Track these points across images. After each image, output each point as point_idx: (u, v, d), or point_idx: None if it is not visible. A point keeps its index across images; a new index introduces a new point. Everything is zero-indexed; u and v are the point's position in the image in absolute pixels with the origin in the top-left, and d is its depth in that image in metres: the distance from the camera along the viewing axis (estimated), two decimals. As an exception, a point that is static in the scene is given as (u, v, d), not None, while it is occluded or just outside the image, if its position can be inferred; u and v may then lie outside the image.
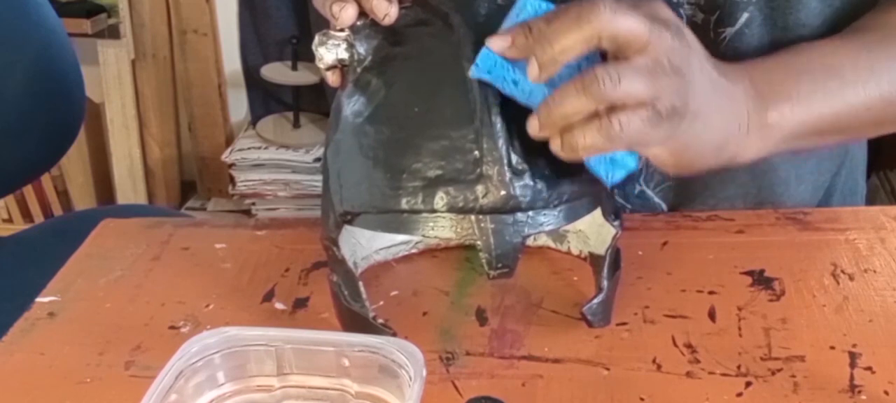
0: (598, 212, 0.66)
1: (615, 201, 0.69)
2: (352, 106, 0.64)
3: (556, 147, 0.57)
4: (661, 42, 0.56)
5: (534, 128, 0.57)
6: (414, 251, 0.76)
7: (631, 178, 0.83)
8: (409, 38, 0.63)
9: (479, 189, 0.59)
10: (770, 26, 0.74)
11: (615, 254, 0.67)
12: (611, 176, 0.60)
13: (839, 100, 0.67)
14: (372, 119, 0.62)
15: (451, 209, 0.60)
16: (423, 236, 0.70)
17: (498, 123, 0.59)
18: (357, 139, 0.63)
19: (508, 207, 0.59)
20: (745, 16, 0.74)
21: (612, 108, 0.55)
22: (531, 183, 0.60)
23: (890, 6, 0.72)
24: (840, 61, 0.69)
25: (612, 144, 0.56)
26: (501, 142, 0.59)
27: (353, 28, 0.63)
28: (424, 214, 0.60)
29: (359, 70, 0.64)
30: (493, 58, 0.58)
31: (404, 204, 0.61)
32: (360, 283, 0.65)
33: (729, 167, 0.65)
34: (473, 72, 0.59)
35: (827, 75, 0.68)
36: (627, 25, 0.55)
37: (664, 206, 0.85)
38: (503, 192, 0.59)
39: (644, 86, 0.55)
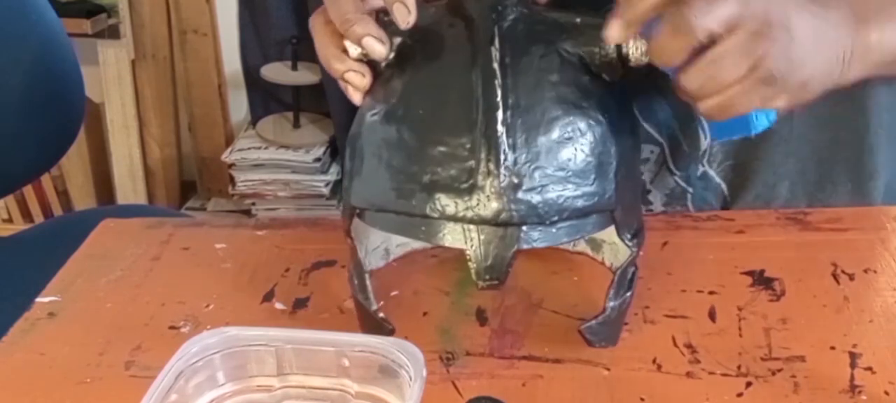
0: None
1: (640, 219, 0.66)
2: (370, 101, 0.63)
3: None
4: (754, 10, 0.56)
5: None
6: (415, 248, 0.76)
7: (693, 160, 0.83)
8: (431, 39, 0.62)
9: (472, 199, 0.58)
10: None
11: (627, 276, 0.64)
12: (754, 125, 0.62)
13: None
14: (384, 117, 0.62)
15: (443, 216, 0.59)
16: (417, 240, 0.70)
17: (499, 133, 0.57)
18: (370, 135, 0.63)
19: (499, 220, 0.58)
20: None
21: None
22: (527, 198, 0.58)
23: None
24: None
25: (722, 114, 0.57)
26: (501, 154, 0.57)
27: (378, 20, 0.62)
28: (418, 218, 0.60)
29: (382, 65, 0.63)
30: None
31: (401, 206, 0.60)
32: (367, 276, 0.65)
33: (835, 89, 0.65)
34: None
35: None
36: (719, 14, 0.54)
37: (724, 186, 0.84)
38: (495, 205, 0.58)
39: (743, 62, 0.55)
